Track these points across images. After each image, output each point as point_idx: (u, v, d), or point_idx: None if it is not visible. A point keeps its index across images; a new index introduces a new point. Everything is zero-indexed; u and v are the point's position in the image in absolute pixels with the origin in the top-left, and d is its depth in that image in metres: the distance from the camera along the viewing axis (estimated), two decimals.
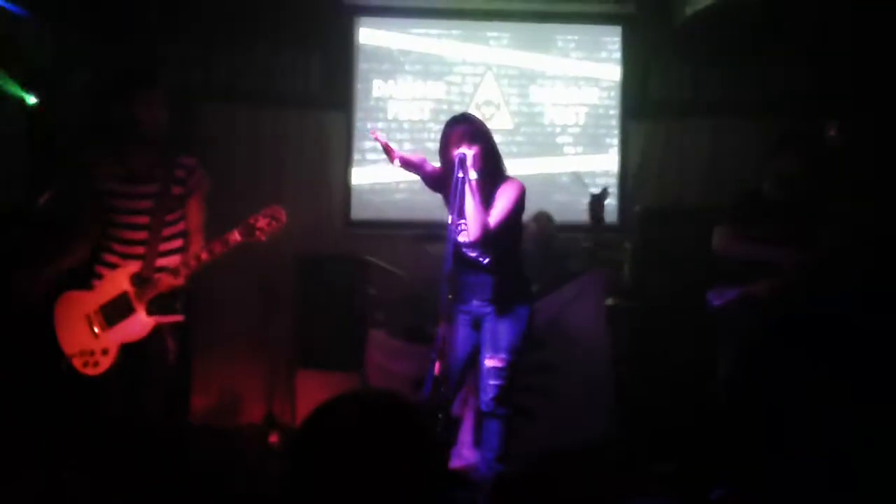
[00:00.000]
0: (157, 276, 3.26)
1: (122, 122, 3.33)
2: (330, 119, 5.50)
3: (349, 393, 1.42)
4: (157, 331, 3.32)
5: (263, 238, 3.27)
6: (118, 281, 3.29)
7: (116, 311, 3.28)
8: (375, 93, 5.56)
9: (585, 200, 5.30)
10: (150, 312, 3.27)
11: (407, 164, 3.53)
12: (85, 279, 3.39)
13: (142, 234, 3.34)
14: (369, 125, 3.24)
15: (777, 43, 5.31)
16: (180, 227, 3.46)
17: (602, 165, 5.62)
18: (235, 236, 3.24)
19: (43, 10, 4.76)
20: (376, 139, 3.45)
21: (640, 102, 5.60)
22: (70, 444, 3.78)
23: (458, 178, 3.35)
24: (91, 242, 3.46)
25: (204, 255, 3.23)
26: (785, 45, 5.32)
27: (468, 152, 3.37)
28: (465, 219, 3.45)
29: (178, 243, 3.44)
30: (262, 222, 3.26)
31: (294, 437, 1.37)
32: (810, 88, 5.38)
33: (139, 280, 3.27)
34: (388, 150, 3.45)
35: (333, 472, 1.28)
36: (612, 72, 5.61)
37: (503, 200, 3.48)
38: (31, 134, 4.85)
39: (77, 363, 3.29)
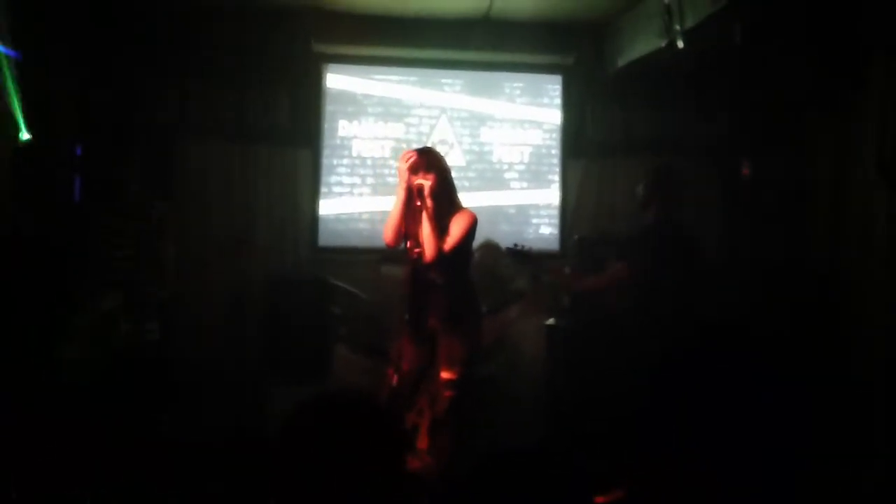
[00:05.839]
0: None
1: None
2: (299, 155, 5.73)
3: (324, 394, 1.43)
4: None
5: None
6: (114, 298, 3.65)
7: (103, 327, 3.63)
8: (341, 132, 5.85)
9: (530, 230, 5.83)
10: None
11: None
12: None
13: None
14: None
15: (696, 90, 5.62)
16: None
17: (545, 199, 5.99)
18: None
19: (29, 51, 4.84)
20: None
21: (577, 143, 5.94)
22: None
23: (416, 205, 3.61)
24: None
25: None
26: (702, 92, 5.63)
27: (426, 182, 3.60)
28: (421, 243, 3.69)
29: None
30: None
31: (274, 440, 1.40)
32: (723, 132, 5.68)
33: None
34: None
35: (312, 467, 1.34)
36: (554, 115, 5.99)
37: (457, 227, 3.68)
38: (16, 165, 4.92)
39: None
